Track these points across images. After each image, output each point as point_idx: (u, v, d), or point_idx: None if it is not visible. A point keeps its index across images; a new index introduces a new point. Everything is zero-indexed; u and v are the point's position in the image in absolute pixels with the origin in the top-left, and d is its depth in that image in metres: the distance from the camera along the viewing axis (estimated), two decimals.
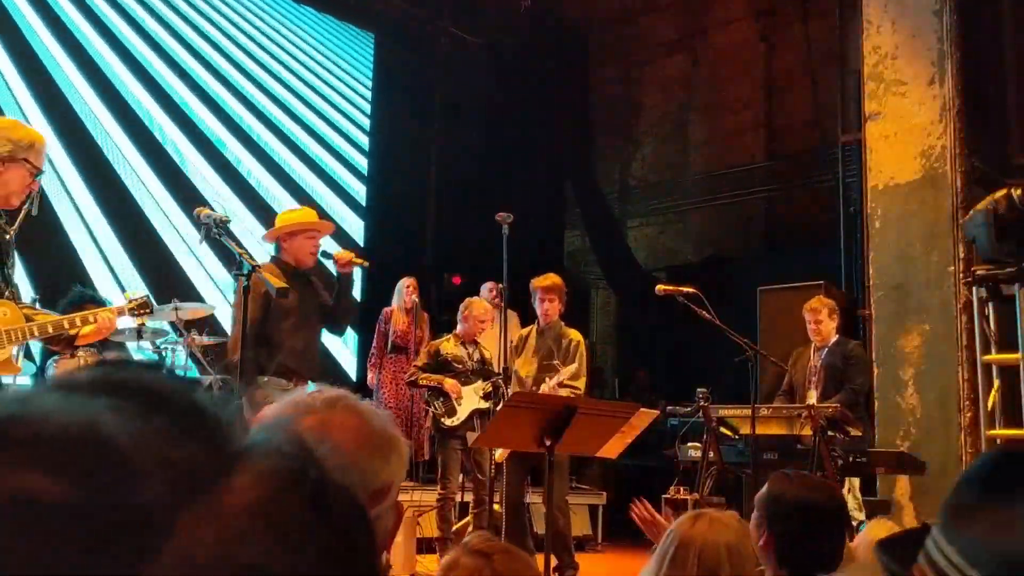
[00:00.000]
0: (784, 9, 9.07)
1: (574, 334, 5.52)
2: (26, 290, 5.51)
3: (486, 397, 5.46)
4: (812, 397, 5.94)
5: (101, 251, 7.42)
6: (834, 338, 6.09)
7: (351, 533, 0.36)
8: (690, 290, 4.90)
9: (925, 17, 5.92)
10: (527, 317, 6.36)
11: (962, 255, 5.55)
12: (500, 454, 5.25)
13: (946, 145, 5.72)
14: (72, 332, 3.44)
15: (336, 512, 0.36)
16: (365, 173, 9.85)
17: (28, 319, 3.32)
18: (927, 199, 5.77)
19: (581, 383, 5.39)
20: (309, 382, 4.29)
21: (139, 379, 0.35)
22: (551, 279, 5.51)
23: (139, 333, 5.71)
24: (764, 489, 2.29)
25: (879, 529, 1.98)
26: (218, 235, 3.63)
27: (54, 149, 7.18)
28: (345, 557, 0.35)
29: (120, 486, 0.30)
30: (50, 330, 3.36)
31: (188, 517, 0.30)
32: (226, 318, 7.74)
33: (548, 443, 3.42)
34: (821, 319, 6.06)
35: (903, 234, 5.85)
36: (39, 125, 7.11)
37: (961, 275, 5.51)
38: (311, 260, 4.53)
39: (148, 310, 3.70)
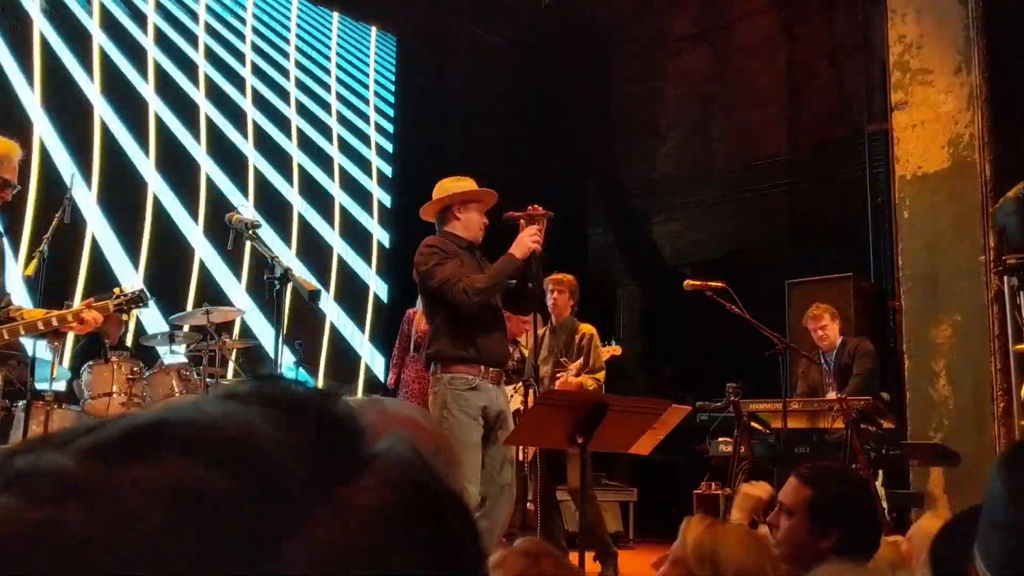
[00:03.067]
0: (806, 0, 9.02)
1: (585, 328, 5.51)
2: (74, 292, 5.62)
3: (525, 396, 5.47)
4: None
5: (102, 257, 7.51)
6: (839, 340, 6.05)
7: (463, 540, 0.40)
8: (719, 285, 4.89)
9: (950, 4, 5.87)
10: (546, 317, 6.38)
11: (992, 244, 5.50)
12: (530, 451, 5.26)
13: (974, 133, 5.67)
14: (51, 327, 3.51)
15: (450, 520, 0.40)
16: (389, 175, 9.90)
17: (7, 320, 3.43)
18: (956, 188, 5.73)
19: (600, 375, 5.39)
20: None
21: (287, 392, 0.41)
22: (561, 274, 5.54)
23: (171, 337, 5.78)
24: (802, 492, 2.27)
25: (933, 523, 1.97)
26: (250, 239, 3.66)
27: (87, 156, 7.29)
28: (456, 562, 0.39)
29: (268, 479, 0.35)
30: (22, 331, 3.47)
31: (322, 509, 0.35)
32: (253, 321, 7.81)
33: (580, 441, 3.42)
34: (825, 324, 6.02)
35: (932, 224, 5.81)
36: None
37: (992, 264, 5.46)
38: (482, 235, 4.18)
39: (141, 304, 3.71)
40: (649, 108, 10.16)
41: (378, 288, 9.45)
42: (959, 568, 0.90)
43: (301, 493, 0.35)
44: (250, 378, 0.43)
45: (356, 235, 9.43)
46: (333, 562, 0.35)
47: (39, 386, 4.82)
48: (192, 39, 8.56)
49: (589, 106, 10.38)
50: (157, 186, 7.84)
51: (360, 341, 9.14)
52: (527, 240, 4.00)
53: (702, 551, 1.86)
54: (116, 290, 3.73)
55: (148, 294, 3.84)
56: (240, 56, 8.92)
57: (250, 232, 3.67)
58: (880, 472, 5.32)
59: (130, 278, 7.30)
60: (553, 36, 9.86)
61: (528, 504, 5.39)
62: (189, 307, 6.84)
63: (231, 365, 6.50)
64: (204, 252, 7.93)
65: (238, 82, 8.81)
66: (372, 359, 9.19)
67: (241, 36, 9.00)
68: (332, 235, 9.20)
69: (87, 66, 7.64)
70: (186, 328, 5.90)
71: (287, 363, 6.47)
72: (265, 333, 7.48)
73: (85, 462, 0.35)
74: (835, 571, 1.44)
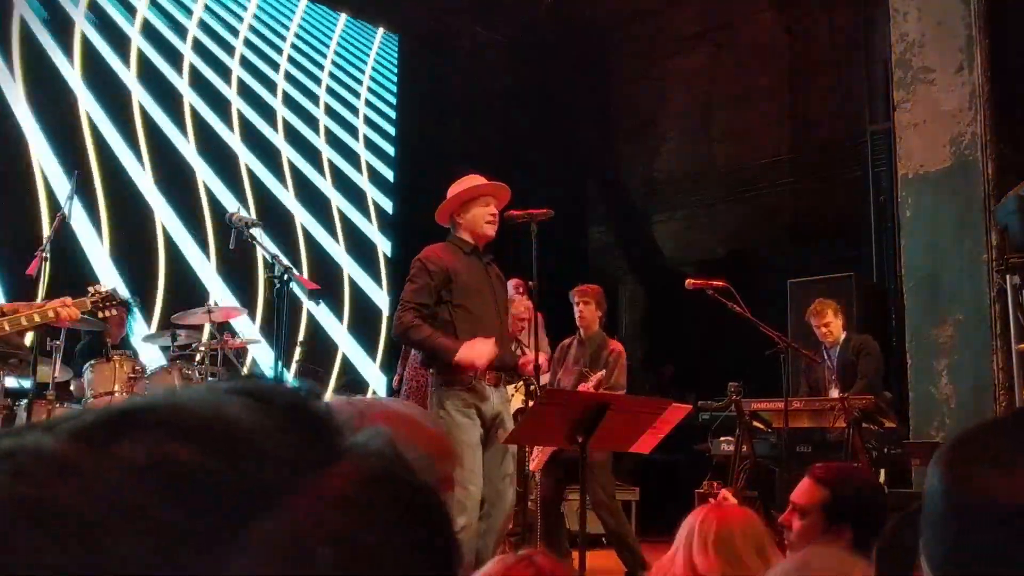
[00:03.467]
0: None
1: (614, 344, 5.50)
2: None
3: (527, 395, 5.46)
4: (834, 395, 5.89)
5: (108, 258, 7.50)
6: (843, 336, 6.02)
7: (434, 532, 0.42)
8: (720, 283, 4.88)
9: (952, 3, 5.86)
10: (553, 321, 6.36)
11: (994, 243, 5.49)
12: (535, 464, 5.25)
13: (976, 132, 5.66)
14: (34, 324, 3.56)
15: (421, 512, 0.42)
16: (391, 178, 9.88)
17: None
18: (958, 187, 5.72)
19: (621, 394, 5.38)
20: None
21: (265, 386, 0.42)
22: (586, 285, 5.55)
23: (173, 336, 5.78)
24: (817, 493, 2.27)
25: None
26: (250, 238, 3.65)
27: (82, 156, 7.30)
28: (425, 554, 0.41)
29: (242, 461, 0.37)
30: (7, 327, 3.51)
31: (292, 493, 0.37)
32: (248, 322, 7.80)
33: (580, 440, 3.42)
34: (828, 320, 5.99)
35: (934, 223, 5.80)
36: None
37: (994, 263, 5.45)
38: (490, 230, 4.12)
39: (115, 302, 3.74)
40: (649, 108, 10.16)
41: (378, 297, 9.41)
42: (906, 565, 0.86)
43: (274, 476, 0.37)
44: (235, 376, 0.45)
45: (356, 241, 9.39)
46: (298, 543, 0.36)
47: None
48: (184, 36, 8.55)
49: (589, 106, 10.37)
50: (155, 199, 7.82)
51: (355, 348, 9.12)
52: (476, 352, 3.85)
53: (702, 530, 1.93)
54: (91, 289, 3.78)
55: (119, 293, 3.90)
56: (234, 53, 8.90)
57: (250, 231, 3.67)
58: (882, 471, 5.31)
59: (129, 280, 7.29)
60: (553, 36, 9.86)
61: (530, 504, 5.38)
62: (190, 307, 6.82)
63: (246, 364, 6.50)
64: (203, 253, 7.92)
65: (227, 77, 8.78)
66: (368, 364, 9.17)
67: (239, 34, 8.99)
68: (330, 240, 9.18)
69: (66, 57, 7.64)
70: (207, 328, 5.91)
71: (288, 364, 6.47)
72: (265, 333, 7.46)
73: (71, 442, 0.36)
74: (827, 553, 1.46)
